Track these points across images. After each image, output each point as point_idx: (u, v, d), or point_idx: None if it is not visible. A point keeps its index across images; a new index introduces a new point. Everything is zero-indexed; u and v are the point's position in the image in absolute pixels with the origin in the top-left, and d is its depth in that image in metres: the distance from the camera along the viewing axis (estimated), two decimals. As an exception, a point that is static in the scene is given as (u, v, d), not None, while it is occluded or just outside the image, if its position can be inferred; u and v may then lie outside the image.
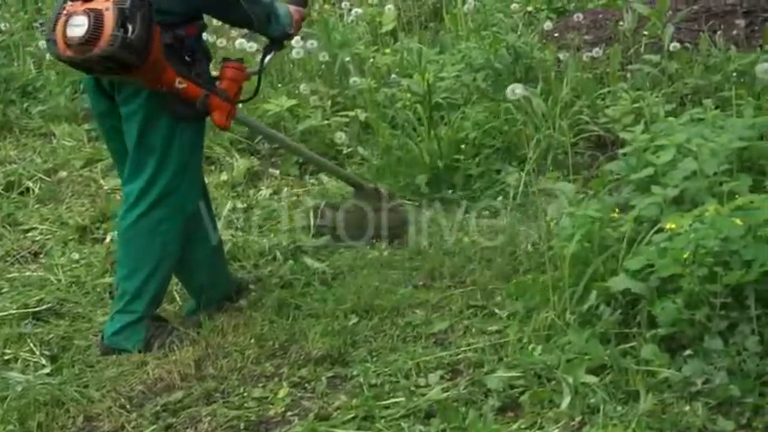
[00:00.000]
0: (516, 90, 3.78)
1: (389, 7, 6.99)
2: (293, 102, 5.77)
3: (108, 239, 4.71)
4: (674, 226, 3.06)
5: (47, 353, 3.73)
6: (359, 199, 4.59)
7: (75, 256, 4.57)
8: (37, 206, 5.37)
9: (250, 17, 3.69)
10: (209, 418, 3.14)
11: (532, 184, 4.20)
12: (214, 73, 3.73)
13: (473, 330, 3.54)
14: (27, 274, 4.52)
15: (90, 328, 3.92)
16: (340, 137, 5.42)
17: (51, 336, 3.87)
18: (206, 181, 4.06)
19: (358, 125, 5.65)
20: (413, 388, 3.16)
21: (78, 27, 3.29)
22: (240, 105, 3.87)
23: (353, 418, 3.05)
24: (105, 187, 5.51)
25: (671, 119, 4.09)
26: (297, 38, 5.31)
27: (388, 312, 3.75)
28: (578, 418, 2.87)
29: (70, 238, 4.84)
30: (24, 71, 7.24)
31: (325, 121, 5.67)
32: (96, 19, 3.27)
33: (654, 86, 5.12)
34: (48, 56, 7.05)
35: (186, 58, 3.56)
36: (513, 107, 5.03)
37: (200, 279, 3.89)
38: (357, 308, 3.78)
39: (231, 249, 4.37)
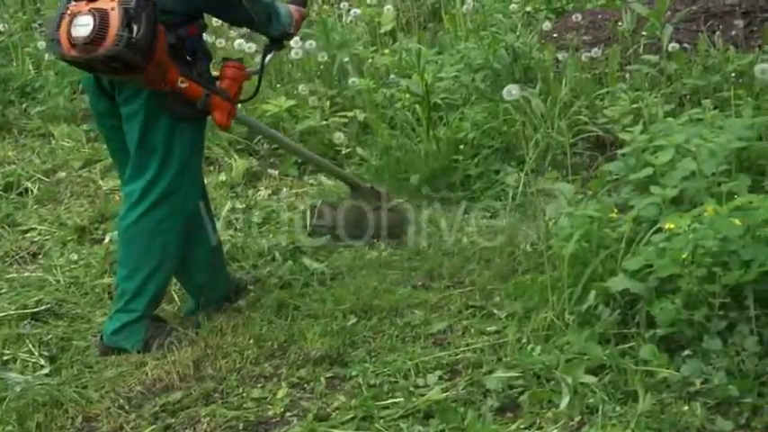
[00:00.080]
0: (513, 91, 3.79)
1: (388, 8, 6.99)
2: (292, 102, 5.77)
3: (107, 240, 4.71)
4: (672, 226, 3.07)
5: (45, 353, 3.73)
6: (357, 198, 4.59)
7: (74, 256, 4.57)
8: (36, 207, 5.38)
9: (251, 17, 3.69)
10: (207, 418, 3.14)
11: (531, 185, 4.20)
12: (214, 73, 3.73)
13: (472, 331, 3.54)
14: (26, 274, 4.53)
15: (89, 329, 3.92)
16: (339, 137, 5.42)
17: (50, 336, 3.87)
18: (205, 181, 4.05)
19: (357, 125, 5.65)
20: (412, 388, 3.16)
21: (83, 27, 3.29)
22: (239, 105, 3.87)
23: (352, 418, 3.05)
24: (104, 188, 5.52)
25: (670, 119, 4.08)
26: (296, 38, 5.31)
27: (386, 313, 3.75)
28: (577, 419, 2.87)
29: (69, 238, 4.84)
30: (23, 72, 7.24)
31: (324, 122, 5.67)
32: (102, 19, 3.27)
33: (653, 87, 5.12)
34: (47, 56, 7.07)
35: (187, 57, 3.57)
36: (511, 107, 5.03)
37: (199, 279, 3.89)
38: (356, 308, 3.78)
39: (230, 250, 4.37)
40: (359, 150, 5.42)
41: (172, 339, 3.65)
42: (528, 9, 6.70)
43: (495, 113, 5.17)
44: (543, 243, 3.62)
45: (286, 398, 3.23)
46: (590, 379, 2.97)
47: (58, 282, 4.35)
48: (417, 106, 5.35)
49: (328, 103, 5.82)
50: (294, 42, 5.59)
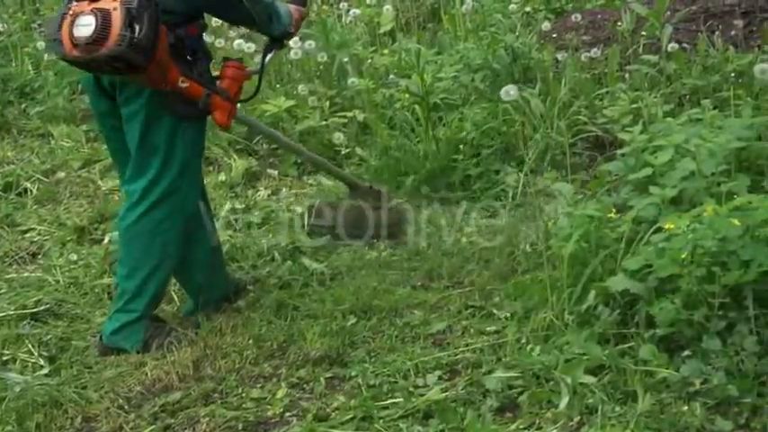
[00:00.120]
0: (510, 92, 3.79)
1: (388, 8, 6.99)
2: (291, 102, 5.77)
3: (106, 240, 4.71)
4: (672, 226, 3.07)
5: (45, 354, 3.73)
6: (356, 198, 4.59)
7: (74, 256, 4.57)
8: (35, 207, 5.37)
9: (252, 16, 3.70)
10: (207, 418, 3.14)
11: (531, 185, 4.20)
12: (214, 73, 3.74)
13: (471, 331, 3.54)
14: (25, 274, 4.52)
15: (88, 329, 3.92)
16: (338, 137, 5.42)
17: (49, 337, 3.86)
18: (204, 181, 4.05)
19: (356, 126, 5.65)
20: (411, 388, 3.16)
21: (86, 27, 3.29)
22: (239, 105, 3.87)
23: (352, 418, 3.05)
24: (103, 188, 5.52)
25: (669, 119, 4.08)
26: (295, 39, 5.31)
27: (386, 313, 3.75)
28: (576, 419, 2.87)
29: (68, 238, 4.84)
30: (22, 72, 7.24)
31: (324, 122, 5.67)
32: (104, 19, 3.27)
33: (652, 87, 5.12)
34: (46, 56, 7.07)
35: (188, 57, 3.57)
36: (511, 108, 5.03)
37: (198, 279, 3.89)
38: (355, 308, 3.78)
39: (229, 250, 4.37)
40: (358, 150, 5.42)
41: (171, 339, 3.65)
42: (527, 9, 6.70)
43: (495, 113, 5.17)
44: (542, 243, 3.62)
45: (285, 398, 3.23)
46: (589, 379, 2.97)
47: (58, 282, 4.35)
48: (417, 106, 5.35)
49: (328, 103, 5.82)
50: (293, 43, 5.59)
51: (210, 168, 5.52)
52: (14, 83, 7.14)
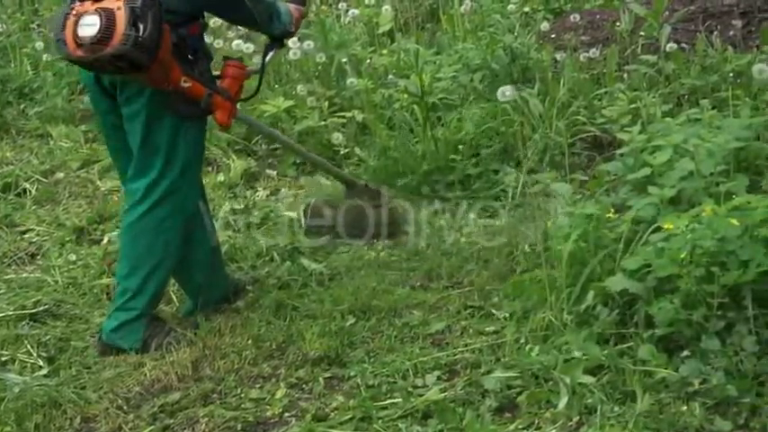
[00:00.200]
0: (506, 92, 3.80)
1: (386, 8, 6.99)
2: (290, 103, 5.76)
3: (105, 240, 4.71)
4: (671, 226, 3.07)
5: (44, 354, 3.73)
6: (354, 198, 4.59)
7: (73, 257, 4.56)
8: (34, 207, 5.37)
9: (253, 16, 3.70)
10: (206, 419, 3.14)
11: (529, 185, 4.20)
12: (214, 72, 3.74)
13: (470, 331, 3.54)
14: (24, 275, 4.52)
15: (87, 330, 3.92)
16: (337, 138, 5.42)
17: (48, 337, 3.86)
18: (203, 182, 4.05)
19: (355, 126, 5.64)
20: (410, 389, 3.16)
21: (90, 26, 3.29)
22: (239, 104, 3.87)
23: (351, 418, 3.05)
24: (102, 188, 5.52)
25: (668, 119, 4.09)
26: (294, 39, 5.31)
27: (385, 313, 3.75)
28: (575, 419, 2.87)
29: (67, 239, 4.83)
30: (21, 72, 7.23)
31: (323, 122, 5.66)
32: (108, 18, 3.27)
33: (651, 87, 5.12)
34: (45, 57, 7.08)
35: (189, 57, 3.57)
36: (509, 108, 5.03)
37: (197, 280, 3.89)
38: (354, 309, 3.78)
39: (228, 250, 4.37)
40: (357, 151, 5.42)
41: (170, 340, 3.65)
42: (526, 9, 6.69)
43: (494, 114, 5.17)
44: (541, 243, 3.62)
45: (284, 398, 3.23)
46: (588, 379, 2.97)
47: (57, 282, 4.35)
48: (415, 107, 5.35)
49: (327, 103, 5.81)
50: (292, 43, 5.59)
51: (209, 169, 5.51)
52: (13, 83, 7.13)
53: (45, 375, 3.55)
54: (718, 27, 5.79)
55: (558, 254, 3.39)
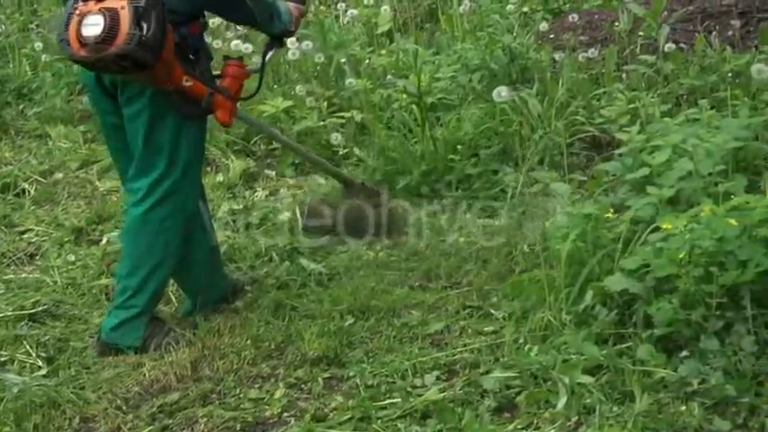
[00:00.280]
0: (502, 93, 3.81)
1: (385, 8, 6.98)
2: (289, 103, 5.76)
3: (104, 241, 4.71)
4: (669, 226, 3.07)
5: (43, 354, 3.73)
6: (352, 197, 4.58)
7: (72, 257, 4.56)
8: (33, 208, 5.37)
9: (253, 15, 3.71)
10: (205, 419, 3.14)
11: (528, 185, 4.20)
12: (214, 72, 3.74)
13: (469, 331, 3.55)
14: (23, 275, 4.52)
15: (86, 330, 3.92)
16: (336, 138, 5.42)
17: (47, 337, 3.86)
18: (202, 182, 4.05)
19: (354, 126, 5.64)
20: (409, 389, 3.17)
21: (94, 26, 3.28)
22: (239, 103, 3.87)
23: (350, 419, 3.05)
24: (101, 189, 5.52)
25: (666, 119, 4.09)
26: (293, 39, 5.31)
27: (384, 313, 3.75)
28: (574, 419, 2.87)
29: (66, 239, 4.83)
30: (20, 73, 7.24)
31: (322, 123, 5.66)
32: (112, 18, 3.27)
33: (649, 87, 5.12)
34: (44, 57, 7.08)
35: (190, 56, 3.57)
36: (508, 108, 5.03)
37: (197, 280, 3.89)
38: (353, 309, 3.78)
39: (227, 250, 4.37)
40: (356, 151, 5.42)
41: (169, 340, 3.65)
42: (525, 9, 6.70)
43: (493, 114, 5.17)
44: (540, 243, 3.62)
45: (283, 398, 3.23)
46: (587, 379, 2.97)
47: (56, 283, 4.35)
48: (414, 107, 5.34)
49: (325, 103, 5.81)
50: (291, 43, 5.58)
51: (208, 169, 5.51)
52: (12, 84, 7.13)
53: (44, 376, 3.55)
54: (717, 27, 5.79)
55: (557, 254, 3.39)
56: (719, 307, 2.93)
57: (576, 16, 6.23)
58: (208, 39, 5.55)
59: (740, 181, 3.40)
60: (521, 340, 3.31)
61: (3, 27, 7.71)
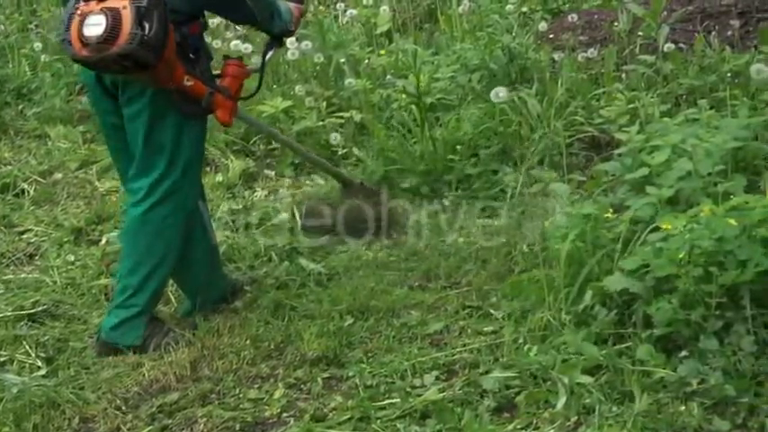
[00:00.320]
0: (499, 93, 3.81)
1: (384, 8, 6.99)
2: (288, 103, 5.76)
3: (103, 241, 4.71)
4: (669, 226, 3.07)
5: (42, 355, 3.73)
6: (351, 197, 4.58)
7: (71, 257, 4.56)
8: (32, 208, 5.37)
9: (254, 14, 3.71)
10: (204, 419, 3.14)
11: (528, 185, 4.20)
12: (214, 72, 3.74)
13: (469, 331, 3.54)
14: (22, 275, 4.52)
15: (86, 330, 3.92)
16: (335, 138, 5.42)
17: (47, 337, 3.86)
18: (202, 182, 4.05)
19: (353, 126, 5.64)
20: (408, 389, 3.16)
21: (96, 26, 3.28)
22: (239, 103, 3.88)
23: (349, 419, 3.05)
24: (100, 189, 5.52)
25: (666, 119, 4.09)
26: (292, 39, 5.31)
27: (383, 313, 3.75)
28: (574, 419, 2.87)
29: (65, 239, 4.83)
30: (19, 73, 7.24)
31: (321, 123, 5.66)
32: (114, 18, 3.27)
33: (649, 87, 5.12)
34: (43, 57, 7.07)
35: (191, 55, 3.58)
36: (508, 108, 5.03)
37: (196, 280, 3.89)
38: (353, 309, 3.78)
39: (227, 250, 4.37)
40: (355, 151, 5.42)
41: (169, 340, 3.65)
42: (524, 9, 6.70)
43: (492, 114, 5.17)
44: (539, 243, 3.62)
45: (283, 398, 3.23)
46: (587, 379, 2.97)
47: (55, 283, 4.35)
48: (414, 107, 5.34)
49: (325, 103, 5.81)
50: (291, 43, 5.59)
51: (208, 169, 5.51)
52: (11, 84, 7.13)
53: (43, 376, 3.55)
54: (716, 27, 5.79)
55: (557, 254, 3.39)
56: (719, 307, 2.93)
57: (575, 16, 6.23)
58: (208, 39, 5.57)
59: (739, 181, 3.40)
60: (520, 340, 3.31)
61: (2, 27, 7.71)
